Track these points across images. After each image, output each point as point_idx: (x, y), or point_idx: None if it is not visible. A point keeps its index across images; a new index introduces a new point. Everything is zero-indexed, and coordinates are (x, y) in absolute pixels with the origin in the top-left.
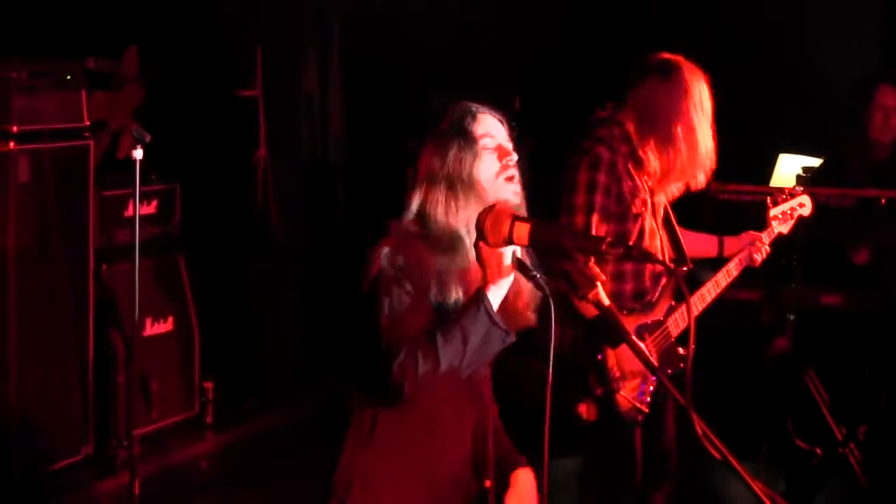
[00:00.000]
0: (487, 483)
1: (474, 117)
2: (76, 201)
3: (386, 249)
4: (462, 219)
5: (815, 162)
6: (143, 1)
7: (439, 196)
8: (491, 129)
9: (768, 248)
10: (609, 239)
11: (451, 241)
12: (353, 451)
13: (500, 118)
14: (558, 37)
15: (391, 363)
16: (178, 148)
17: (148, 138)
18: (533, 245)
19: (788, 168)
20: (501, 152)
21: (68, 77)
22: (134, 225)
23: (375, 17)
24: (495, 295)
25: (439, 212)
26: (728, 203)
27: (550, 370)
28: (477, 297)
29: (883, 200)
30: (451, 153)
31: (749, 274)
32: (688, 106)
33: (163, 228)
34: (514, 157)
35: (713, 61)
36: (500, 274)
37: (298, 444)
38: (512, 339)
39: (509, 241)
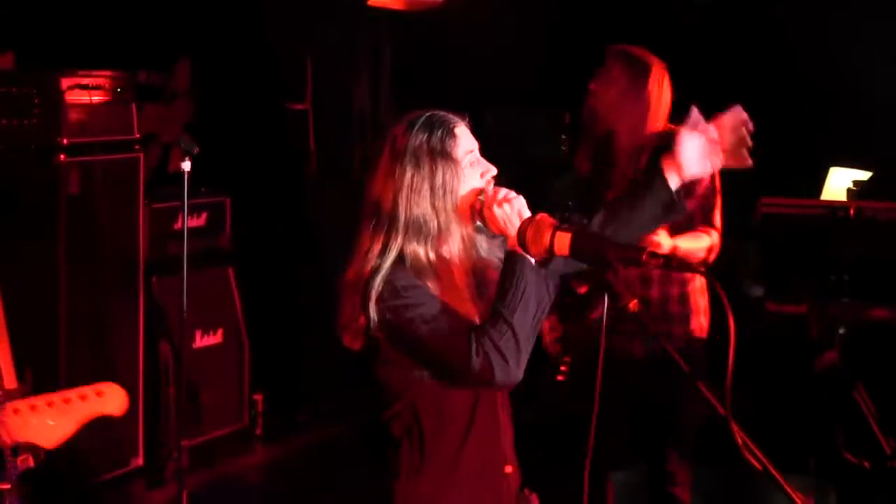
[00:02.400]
0: (508, 468)
1: (451, 133)
2: (126, 213)
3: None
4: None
5: (865, 175)
6: (194, 15)
7: (424, 238)
8: (468, 142)
9: None
10: (649, 249)
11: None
12: (409, 480)
13: (464, 118)
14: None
15: (468, 361)
16: (229, 161)
17: (196, 150)
18: (574, 254)
19: (839, 182)
20: (484, 169)
21: (119, 90)
22: (183, 237)
23: (425, 37)
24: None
25: (425, 254)
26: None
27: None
28: (510, 257)
29: None
30: (437, 183)
31: (797, 287)
32: None
33: (212, 241)
34: (493, 170)
35: (767, 78)
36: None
37: (348, 458)
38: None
39: (550, 251)
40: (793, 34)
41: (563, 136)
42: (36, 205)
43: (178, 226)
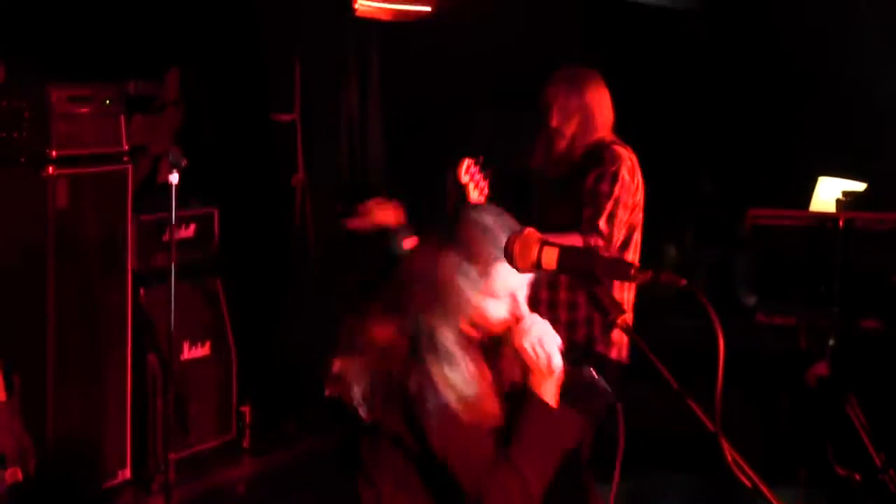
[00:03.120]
0: None
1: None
2: (115, 225)
3: None
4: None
5: (859, 186)
6: (184, 25)
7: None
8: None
9: None
10: (637, 265)
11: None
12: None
13: None
14: (589, 60)
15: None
16: (217, 172)
17: (184, 163)
18: (561, 269)
19: (828, 192)
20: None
21: (108, 101)
22: (171, 249)
23: (414, 44)
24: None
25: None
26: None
27: None
28: (530, 401)
29: None
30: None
31: (787, 298)
32: None
33: (201, 252)
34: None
35: (760, 88)
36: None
37: (334, 471)
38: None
39: (538, 266)
40: (775, 35)
41: None
42: (24, 217)
43: (166, 238)
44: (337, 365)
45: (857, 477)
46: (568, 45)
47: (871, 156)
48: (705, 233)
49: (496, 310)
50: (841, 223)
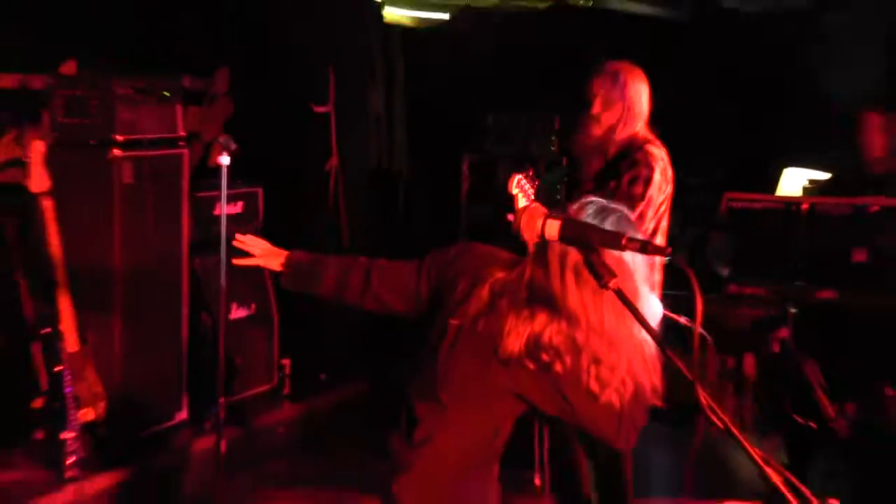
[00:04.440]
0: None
1: None
2: (173, 201)
3: None
4: None
5: (823, 175)
6: (233, 27)
7: None
8: None
9: None
10: (628, 235)
11: None
12: None
13: None
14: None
15: None
16: (262, 156)
17: (234, 147)
18: (562, 238)
19: (792, 180)
20: None
21: (166, 93)
22: (221, 222)
23: (434, 49)
24: None
25: None
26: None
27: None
28: None
29: (876, 206)
30: None
31: (756, 271)
32: None
33: (247, 226)
34: None
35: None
36: None
37: (360, 415)
38: None
39: (542, 237)
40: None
41: (554, 137)
42: (94, 192)
43: (217, 212)
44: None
45: (813, 425)
46: (561, 57)
47: (832, 152)
48: (688, 217)
49: None
50: (805, 207)
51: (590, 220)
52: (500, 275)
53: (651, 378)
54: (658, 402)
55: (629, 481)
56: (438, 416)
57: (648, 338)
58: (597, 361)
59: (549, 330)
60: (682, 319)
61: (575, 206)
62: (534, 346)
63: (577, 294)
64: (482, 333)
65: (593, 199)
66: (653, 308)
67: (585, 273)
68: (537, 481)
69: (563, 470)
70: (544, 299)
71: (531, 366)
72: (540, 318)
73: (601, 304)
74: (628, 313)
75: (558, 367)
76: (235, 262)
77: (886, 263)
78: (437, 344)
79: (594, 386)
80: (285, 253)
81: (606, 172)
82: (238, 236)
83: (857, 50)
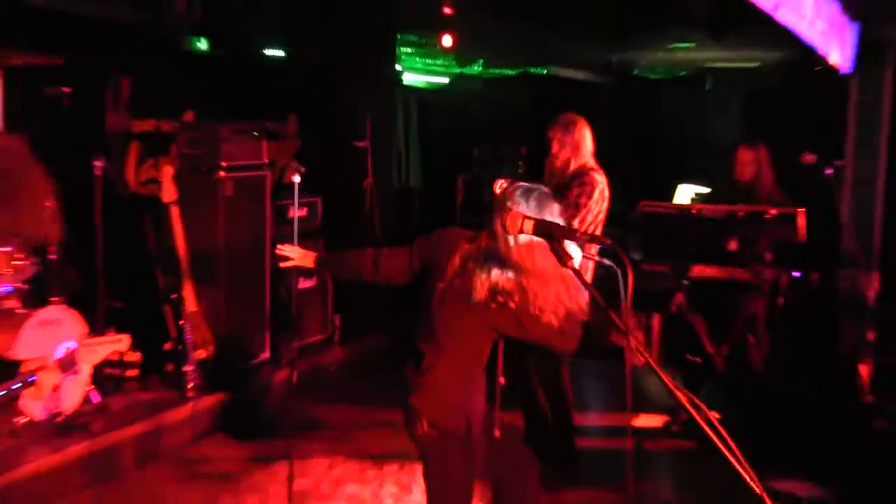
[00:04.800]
0: (502, 380)
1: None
2: (259, 207)
3: None
4: None
5: (705, 190)
6: (300, 88)
7: None
8: None
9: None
10: (581, 229)
11: None
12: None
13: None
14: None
15: None
16: (320, 177)
17: (303, 170)
18: (536, 233)
19: (684, 193)
20: None
21: (255, 133)
22: (294, 222)
23: (440, 101)
24: None
25: None
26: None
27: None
28: None
29: (742, 212)
30: None
31: (660, 255)
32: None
33: (310, 225)
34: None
35: (645, 133)
36: None
37: (387, 356)
38: None
39: (521, 230)
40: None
41: (521, 162)
42: (207, 202)
43: (290, 215)
44: None
45: (699, 360)
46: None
47: (710, 173)
48: (612, 219)
49: None
50: (694, 211)
51: (519, 197)
52: (466, 246)
53: (577, 302)
54: (585, 317)
55: (568, 390)
56: (436, 350)
57: (571, 273)
58: (536, 295)
59: (502, 279)
60: (606, 261)
61: (510, 189)
62: (493, 291)
63: (517, 250)
64: (459, 289)
65: (521, 183)
66: (572, 251)
67: (521, 237)
68: (502, 380)
69: (525, 392)
70: (496, 259)
71: (493, 305)
72: (494, 272)
73: (533, 254)
74: (553, 258)
75: (511, 304)
76: (281, 265)
77: (748, 249)
78: (430, 302)
79: (537, 312)
80: (314, 255)
81: (563, 189)
82: (278, 246)
83: (724, 105)
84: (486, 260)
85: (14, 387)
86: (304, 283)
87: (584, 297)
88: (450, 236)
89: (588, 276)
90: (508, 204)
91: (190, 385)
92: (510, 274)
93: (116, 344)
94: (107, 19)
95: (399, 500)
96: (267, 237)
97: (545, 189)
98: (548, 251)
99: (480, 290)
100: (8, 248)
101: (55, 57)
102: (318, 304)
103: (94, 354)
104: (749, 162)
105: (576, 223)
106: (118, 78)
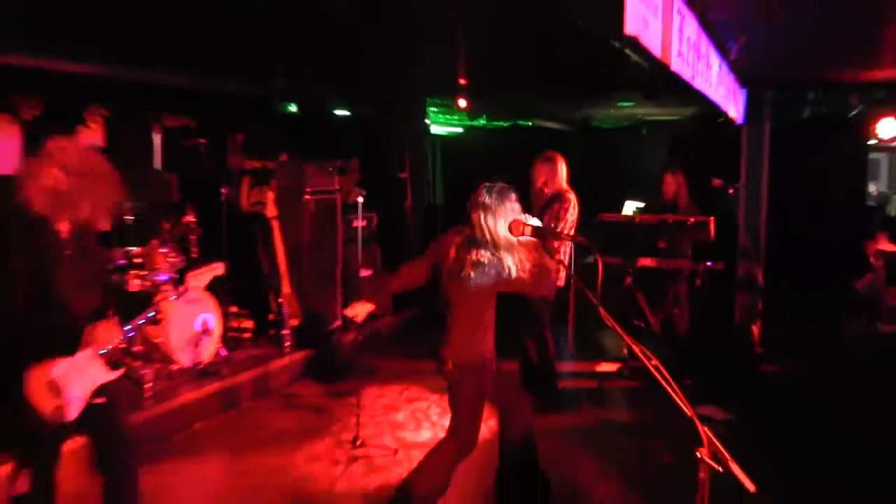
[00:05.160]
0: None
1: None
2: (333, 220)
3: None
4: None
5: (643, 204)
6: (359, 136)
7: None
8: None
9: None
10: (566, 232)
11: None
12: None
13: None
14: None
15: None
16: (375, 198)
17: (364, 193)
18: (533, 235)
19: (629, 207)
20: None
21: (330, 168)
22: (357, 230)
23: (457, 145)
24: None
25: None
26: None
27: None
28: None
29: (670, 220)
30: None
31: (613, 251)
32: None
33: (368, 232)
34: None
35: (600, 166)
36: None
37: (423, 323)
38: None
39: (523, 233)
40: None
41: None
42: (297, 216)
43: (354, 225)
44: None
45: (642, 325)
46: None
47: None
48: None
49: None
50: (637, 220)
51: (485, 192)
52: (457, 239)
53: (545, 263)
54: (547, 273)
55: (551, 344)
56: (452, 315)
57: (527, 244)
58: (511, 260)
59: (482, 256)
60: (581, 238)
61: (479, 189)
62: (475, 264)
63: (490, 234)
64: (456, 270)
65: (488, 183)
66: (531, 221)
67: (494, 226)
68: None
69: (521, 346)
70: (475, 242)
71: (478, 274)
72: (474, 251)
73: (499, 232)
74: (516, 233)
75: (493, 271)
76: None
77: (674, 247)
78: (445, 284)
79: (514, 272)
80: (371, 305)
81: (546, 206)
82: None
83: (655, 145)
84: (469, 245)
85: (141, 322)
86: (364, 272)
87: (546, 260)
88: (447, 236)
89: (563, 272)
90: (480, 199)
91: (286, 344)
92: (486, 250)
93: (214, 270)
94: (230, 93)
95: (441, 416)
96: (339, 241)
97: (505, 185)
98: (509, 232)
99: (467, 267)
100: (165, 249)
101: (193, 119)
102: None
103: (201, 279)
104: (671, 185)
105: (559, 228)
106: (235, 132)
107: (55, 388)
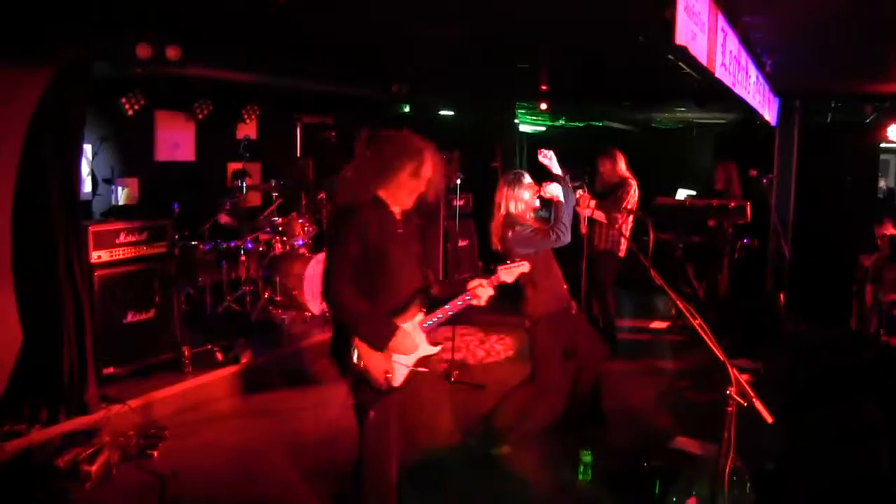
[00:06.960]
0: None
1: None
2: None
3: None
4: None
5: (693, 192)
6: (462, 132)
7: None
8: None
9: (492, 291)
10: (627, 208)
11: None
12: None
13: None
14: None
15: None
16: (472, 182)
17: (462, 177)
18: (598, 208)
19: (682, 193)
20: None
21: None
22: (456, 208)
23: (539, 141)
24: None
25: None
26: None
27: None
28: None
29: (715, 203)
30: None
31: (667, 228)
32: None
33: (465, 209)
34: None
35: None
36: None
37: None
38: None
39: (588, 207)
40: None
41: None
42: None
43: (454, 203)
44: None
45: (689, 290)
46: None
47: (695, 182)
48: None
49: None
50: (688, 203)
51: (504, 178)
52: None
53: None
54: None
55: (612, 304)
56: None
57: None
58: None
59: (516, 225)
60: (640, 212)
61: (502, 176)
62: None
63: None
64: (508, 238)
65: (508, 172)
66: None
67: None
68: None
69: (584, 307)
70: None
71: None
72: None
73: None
74: (583, 206)
75: (525, 233)
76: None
77: (718, 226)
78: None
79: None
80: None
81: (611, 191)
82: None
83: (703, 143)
84: (506, 221)
85: (459, 303)
86: (461, 242)
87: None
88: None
89: (625, 244)
90: (501, 183)
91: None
92: (516, 222)
93: (521, 267)
94: (355, 95)
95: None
96: (441, 216)
97: (521, 172)
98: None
99: (505, 234)
100: (302, 220)
101: (327, 116)
102: (468, 254)
103: (510, 273)
104: (722, 174)
105: (622, 208)
106: (361, 127)
107: (387, 354)
